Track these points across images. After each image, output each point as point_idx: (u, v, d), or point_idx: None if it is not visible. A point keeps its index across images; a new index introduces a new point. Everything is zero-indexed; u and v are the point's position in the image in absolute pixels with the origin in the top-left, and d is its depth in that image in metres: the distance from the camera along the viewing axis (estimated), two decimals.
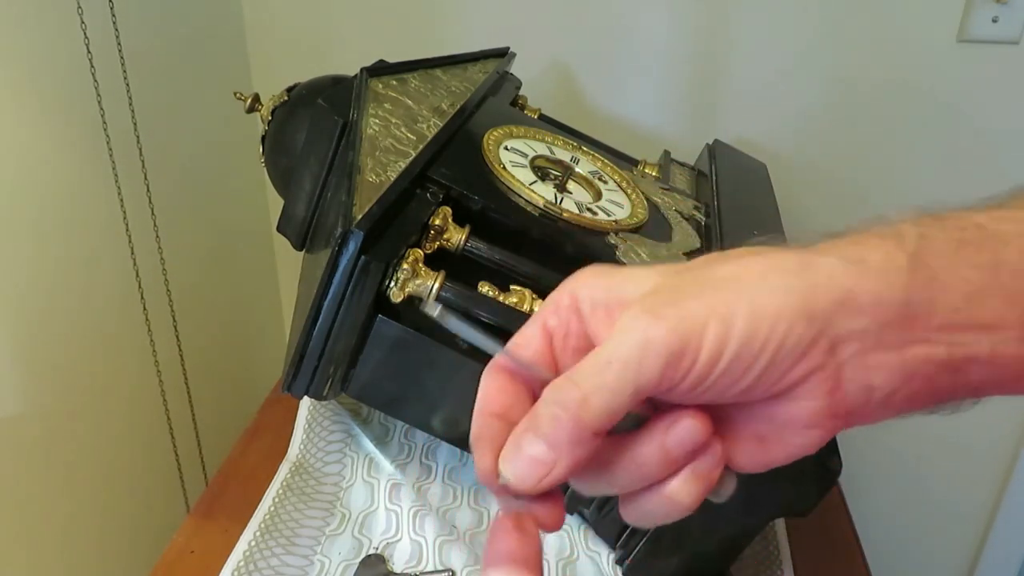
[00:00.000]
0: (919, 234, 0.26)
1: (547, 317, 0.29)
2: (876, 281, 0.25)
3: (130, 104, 0.87)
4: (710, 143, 0.91)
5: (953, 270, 0.25)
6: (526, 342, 0.29)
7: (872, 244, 0.26)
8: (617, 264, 0.60)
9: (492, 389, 0.28)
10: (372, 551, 0.60)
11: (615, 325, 0.26)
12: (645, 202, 0.71)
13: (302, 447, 0.71)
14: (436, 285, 0.52)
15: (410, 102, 0.68)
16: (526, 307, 0.55)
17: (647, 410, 0.27)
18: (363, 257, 0.48)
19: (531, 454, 0.25)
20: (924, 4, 0.96)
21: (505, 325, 0.53)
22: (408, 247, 0.52)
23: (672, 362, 0.24)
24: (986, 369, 0.26)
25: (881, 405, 0.26)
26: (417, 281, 0.51)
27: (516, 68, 0.92)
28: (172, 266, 0.96)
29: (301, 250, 0.67)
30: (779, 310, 0.24)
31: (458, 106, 0.71)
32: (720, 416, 0.27)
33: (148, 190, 0.91)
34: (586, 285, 0.29)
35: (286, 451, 0.71)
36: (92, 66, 0.80)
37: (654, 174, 0.82)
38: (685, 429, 0.26)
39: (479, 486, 0.65)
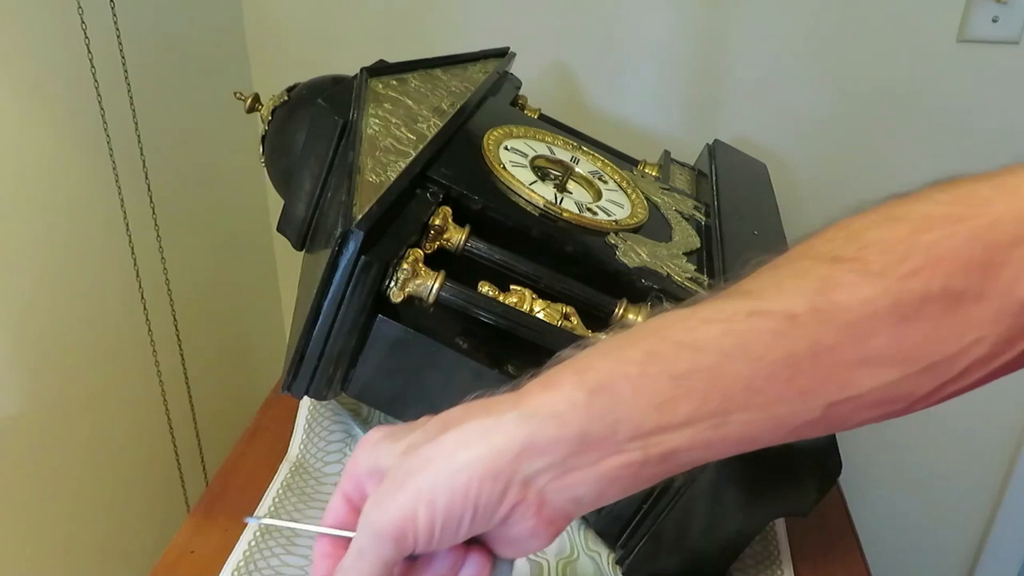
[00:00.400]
0: (600, 369, 0.30)
1: (344, 485, 0.35)
2: (551, 426, 0.29)
3: (131, 104, 0.87)
4: (710, 143, 0.91)
5: (636, 392, 0.29)
6: (332, 511, 0.35)
7: (557, 384, 0.31)
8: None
9: (317, 556, 0.35)
10: None
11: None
12: (645, 202, 0.71)
13: (302, 447, 0.71)
14: (436, 285, 0.52)
15: (410, 102, 0.68)
16: (526, 307, 0.55)
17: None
18: (363, 257, 0.48)
19: None
20: (924, 4, 0.96)
21: (505, 325, 0.53)
22: (408, 247, 0.52)
23: (400, 542, 0.30)
24: (691, 453, 0.30)
25: (594, 503, 0.31)
26: (417, 281, 0.51)
27: (516, 68, 0.92)
28: (172, 266, 0.96)
29: (301, 250, 0.67)
30: (469, 480, 0.29)
31: (458, 106, 0.71)
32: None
33: (149, 190, 0.91)
34: (363, 454, 0.34)
35: (286, 451, 0.71)
36: (93, 66, 0.80)
37: (654, 174, 0.82)
38: (473, 566, 0.33)
39: None
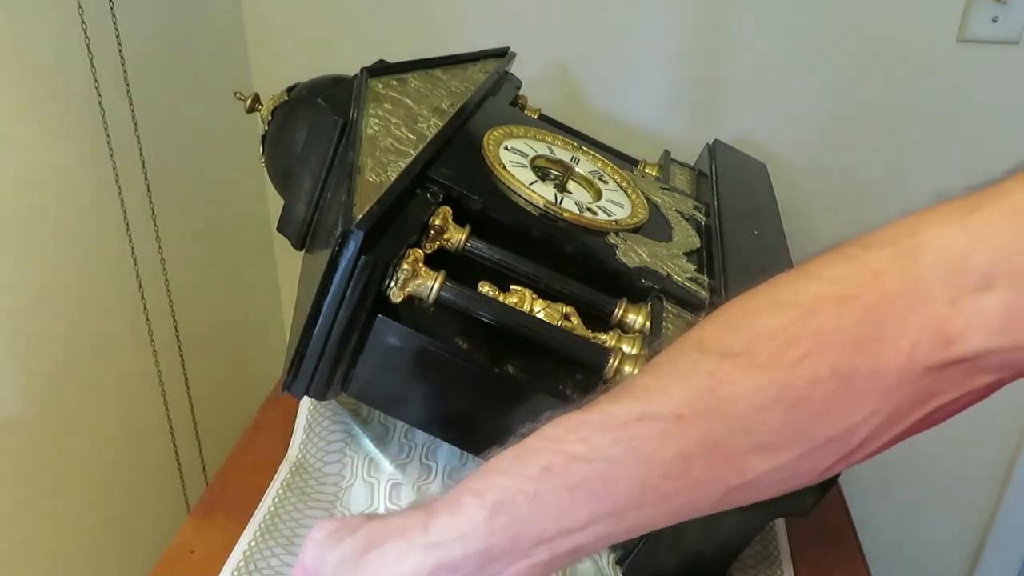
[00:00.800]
0: (500, 487, 0.32)
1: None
2: (457, 547, 0.32)
3: (130, 104, 0.87)
4: (710, 143, 0.91)
5: (533, 507, 0.31)
6: None
7: (460, 508, 0.32)
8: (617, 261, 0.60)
9: None
10: None
11: None
12: (645, 202, 0.71)
13: (302, 447, 0.71)
14: (436, 285, 0.52)
15: (410, 102, 0.68)
16: (526, 307, 0.55)
17: None
18: (363, 257, 0.48)
19: None
20: (924, 4, 0.96)
21: (505, 325, 0.53)
22: (408, 247, 0.52)
23: None
24: (596, 545, 0.32)
25: None
26: (417, 281, 0.51)
27: (516, 68, 0.92)
28: (172, 266, 0.96)
29: (301, 250, 0.67)
30: None
31: (458, 106, 0.71)
32: None
33: (148, 190, 0.91)
34: (309, 553, 0.36)
35: (286, 451, 0.71)
36: (92, 66, 0.80)
37: (654, 174, 0.82)
38: None
39: None
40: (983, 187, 0.29)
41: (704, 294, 0.61)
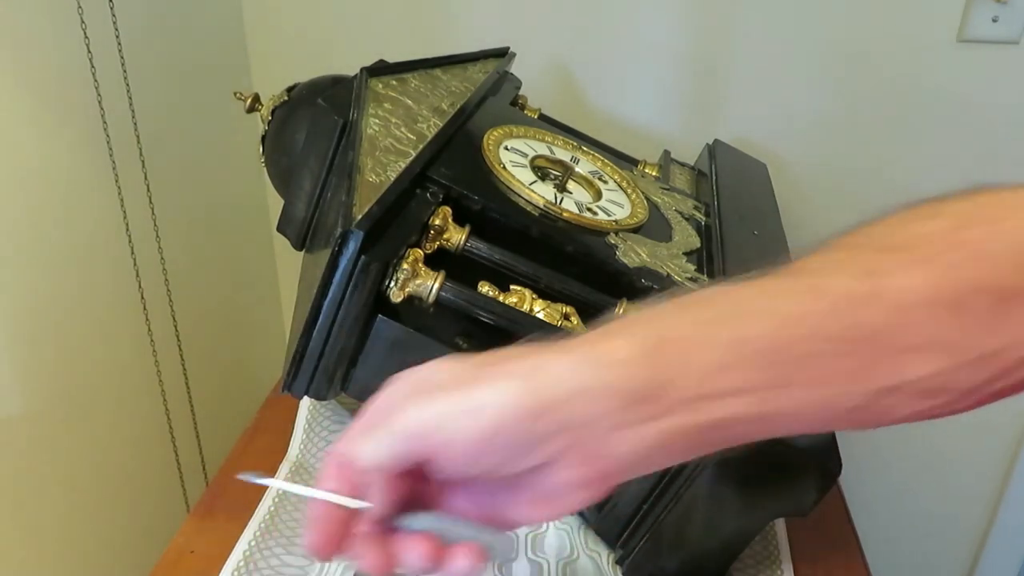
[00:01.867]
0: (660, 326, 0.30)
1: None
2: (608, 375, 0.29)
3: (130, 104, 0.87)
4: (710, 143, 0.91)
5: (695, 352, 0.29)
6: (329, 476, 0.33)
7: (619, 334, 0.30)
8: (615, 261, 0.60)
9: (313, 519, 0.33)
10: None
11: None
12: (645, 202, 0.71)
13: (302, 447, 0.71)
14: (436, 285, 0.52)
15: (410, 102, 0.68)
16: (526, 307, 0.55)
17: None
18: (363, 257, 0.48)
19: None
20: (924, 4, 0.96)
21: (505, 325, 0.53)
22: (408, 247, 0.52)
23: (424, 439, 0.30)
24: (741, 426, 0.30)
25: (643, 465, 0.30)
26: (417, 281, 0.51)
27: (516, 68, 0.92)
28: (172, 266, 0.96)
29: (301, 250, 0.67)
30: (518, 406, 0.29)
31: (458, 106, 0.71)
32: (497, 489, 0.32)
33: (148, 190, 0.91)
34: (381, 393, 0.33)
35: (286, 451, 0.71)
36: (92, 66, 0.80)
37: (654, 174, 0.82)
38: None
39: None
40: None
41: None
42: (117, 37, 0.84)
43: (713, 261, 0.65)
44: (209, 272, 1.08)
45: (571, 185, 0.69)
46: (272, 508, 0.64)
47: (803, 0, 0.98)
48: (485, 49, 0.88)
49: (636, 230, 0.66)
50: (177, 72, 0.97)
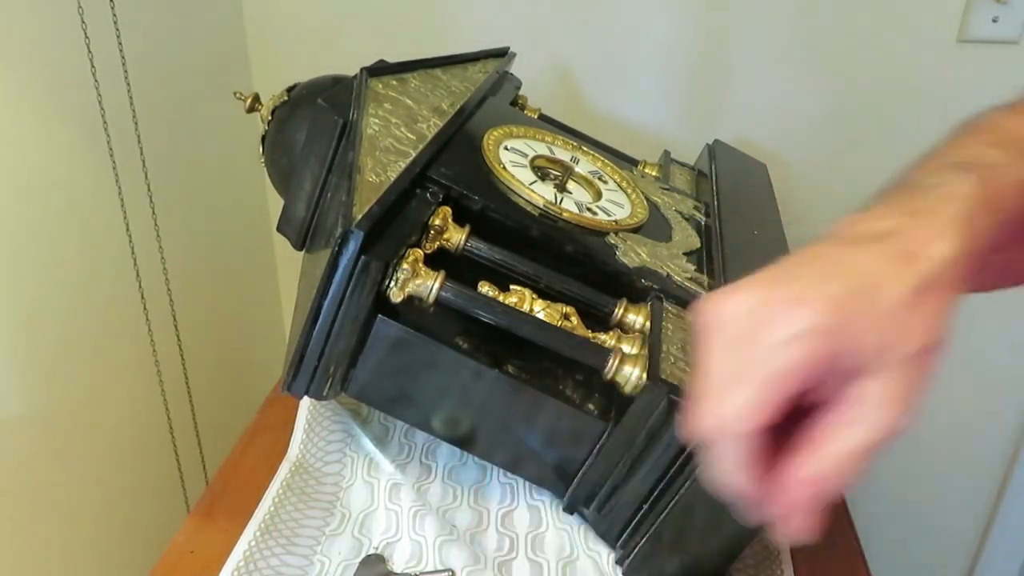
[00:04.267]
0: (970, 158, 0.39)
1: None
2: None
3: (131, 104, 0.87)
4: (710, 143, 0.91)
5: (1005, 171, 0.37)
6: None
7: (946, 185, 0.36)
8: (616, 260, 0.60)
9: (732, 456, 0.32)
10: (372, 551, 0.60)
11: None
12: (645, 202, 0.71)
13: (302, 447, 0.71)
14: (436, 285, 0.52)
15: (410, 102, 0.68)
16: (526, 307, 0.55)
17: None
18: (363, 257, 0.48)
19: None
20: (924, 4, 0.96)
21: (505, 325, 0.53)
22: (408, 247, 0.52)
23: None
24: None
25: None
26: (417, 281, 0.51)
27: (516, 68, 0.92)
28: (172, 266, 0.96)
29: (301, 250, 0.67)
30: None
31: (458, 106, 0.71)
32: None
33: (148, 190, 0.91)
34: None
35: (286, 451, 0.71)
36: (93, 66, 0.80)
37: (654, 174, 0.82)
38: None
39: (479, 486, 0.65)
40: None
41: (704, 294, 0.61)
42: (118, 37, 0.84)
43: (713, 261, 0.65)
44: (209, 272, 1.08)
45: (571, 185, 0.69)
46: (272, 508, 0.64)
47: (803, 0, 0.98)
48: (485, 49, 0.88)
49: (636, 230, 0.66)
50: (177, 72, 0.97)
